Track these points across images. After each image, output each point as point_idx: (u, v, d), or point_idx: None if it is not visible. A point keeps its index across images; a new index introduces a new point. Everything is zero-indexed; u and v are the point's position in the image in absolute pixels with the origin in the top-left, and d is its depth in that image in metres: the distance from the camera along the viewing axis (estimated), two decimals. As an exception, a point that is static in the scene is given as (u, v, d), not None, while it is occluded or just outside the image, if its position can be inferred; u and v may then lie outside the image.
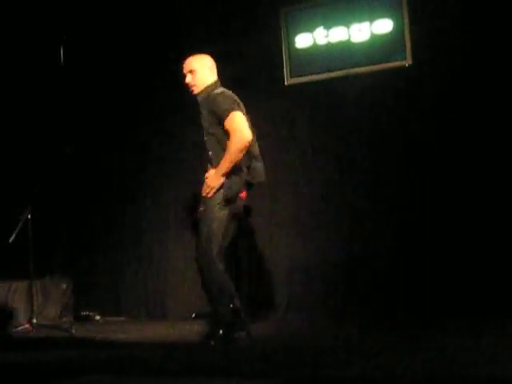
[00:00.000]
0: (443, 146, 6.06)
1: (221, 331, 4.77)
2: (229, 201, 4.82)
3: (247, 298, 6.11)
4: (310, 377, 3.57)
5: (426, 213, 6.08)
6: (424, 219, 6.08)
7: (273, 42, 6.75)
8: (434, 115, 6.12)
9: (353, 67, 6.49)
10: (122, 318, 7.11)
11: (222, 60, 6.61)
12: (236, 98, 5.00)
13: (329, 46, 6.59)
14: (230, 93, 5.01)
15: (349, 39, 6.51)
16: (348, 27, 6.50)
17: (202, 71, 5.06)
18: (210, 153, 4.95)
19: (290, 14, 6.72)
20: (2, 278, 6.45)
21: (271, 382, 3.55)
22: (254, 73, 6.79)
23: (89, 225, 7.40)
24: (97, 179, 7.41)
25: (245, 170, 4.90)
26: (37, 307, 6.55)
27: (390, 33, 6.35)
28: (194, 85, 5.05)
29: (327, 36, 6.58)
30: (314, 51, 6.66)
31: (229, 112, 4.81)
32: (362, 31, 6.45)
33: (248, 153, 4.89)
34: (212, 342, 4.78)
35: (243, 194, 4.96)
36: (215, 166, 4.86)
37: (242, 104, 5.01)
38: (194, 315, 6.71)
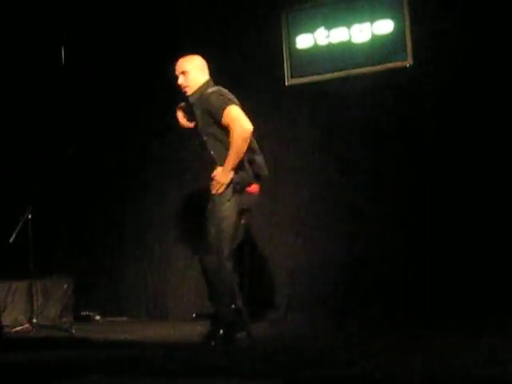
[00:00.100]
0: (444, 146, 6.07)
1: (221, 331, 4.78)
2: (235, 192, 4.82)
3: (247, 297, 6.10)
4: (310, 377, 3.57)
5: (425, 213, 6.08)
6: (424, 219, 6.08)
7: (274, 43, 6.75)
8: (434, 115, 6.12)
9: (354, 68, 6.49)
10: (123, 318, 7.10)
11: (223, 60, 6.68)
12: (230, 94, 5.00)
13: (330, 46, 6.59)
14: (223, 90, 5.02)
15: (350, 40, 6.51)
16: (349, 28, 6.50)
17: (194, 72, 5.07)
18: (212, 152, 4.95)
19: (291, 15, 6.71)
20: (2, 278, 6.43)
21: (271, 382, 3.54)
22: (254, 73, 6.79)
23: (89, 225, 7.40)
24: (97, 179, 7.40)
25: (247, 164, 4.91)
26: (37, 307, 6.54)
27: (391, 33, 6.34)
28: (187, 86, 5.07)
29: (328, 36, 6.58)
30: (315, 52, 6.66)
31: (224, 108, 4.83)
32: (363, 32, 6.44)
33: (248, 147, 4.90)
34: (212, 343, 4.79)
35: (254, 189, 4.97)
36: (220, 165, 4.86)
37: (236, 100, 5.00)
38: (194, 315, 6.71)
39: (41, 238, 6.39)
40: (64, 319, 6.88)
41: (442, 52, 6.12)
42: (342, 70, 6.53)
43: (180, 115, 5.32)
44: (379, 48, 6.41)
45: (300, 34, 6.68)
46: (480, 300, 5.69)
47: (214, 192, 4.86)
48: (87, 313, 7.07)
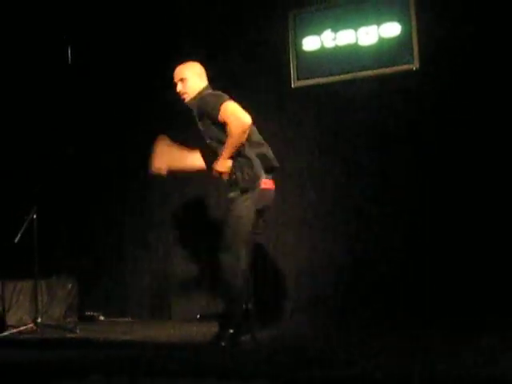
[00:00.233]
0: (450, 149, 6.06)
1: (231, 331, 4.78)
2: (247, 190, 4.83)
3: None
4: (310, 377, 3.56)
5: (426, 214, 6.10)
6: (424, 220, 6.10)
7: (280, 44, 6.74)
8: (441, 118, 6.11)
9: (360, 70, 6.47)
10: (127, 319, 7.11)
11: (229, 61, 6.68)
12: (226, 95, 5.02)
13: (336, 48, 6.58)
14: (218, 92, 5.07)
15: (356, 42, 6.49)
16: (356, 30, 6.49)
17: (192, 79, 5.11)
18: (218, 154, 4.97)
19: (298, 17, 6.71)
20: (7, 277, 6.45)
21: (272, 382, 3.54)
22: (261, 75, 6.78)
23: (93, 225, 7.40)
24: (100, 179, 7.41)
25: (254, 161, 4.91)
26: (41, 307, 6.54)
27: (398, 36, 6.33)
28: (185, 92, 5.12)
29: (335, 39, 6.57)
30: (322, 54, 6.64)
31: (220, 104, 4.85)
32: (370, 34, 6.43)
33: (252, 142, 4.94)
34: (223, 343, 4.77)
35: (269, 185, 4.97)
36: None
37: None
38: (198, 316, 6.71)
39: (45, 238, 6.39)
40: (68, 319, 6.90)
41: (448, 56, 6.11)
42: (348, 72, 6.52)
43: (159, 154, 5.32)
44: (386, 51, 6.39)
45: (307, 36, 6.67)
46: (480, 300, 5.70)
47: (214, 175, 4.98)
48: (91, 313, 7.08)
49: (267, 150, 5.05)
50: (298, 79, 6.72)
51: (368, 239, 6.36)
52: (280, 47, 6.74)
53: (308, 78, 6.71)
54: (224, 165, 4.89)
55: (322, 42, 6.63)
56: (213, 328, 5.09)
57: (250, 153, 4.91)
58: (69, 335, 5.97)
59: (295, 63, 6.71)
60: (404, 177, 6.22)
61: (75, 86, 7.38)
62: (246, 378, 3.65)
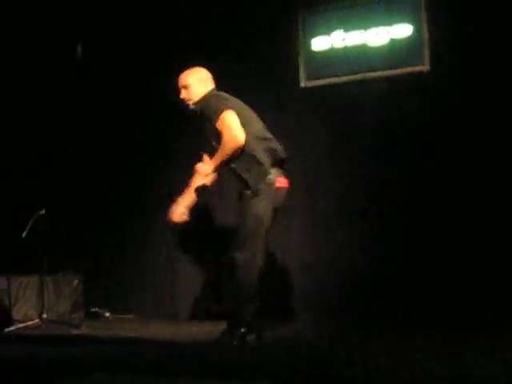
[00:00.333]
0: (460, 151, 6.04)
1: (242, 330, 4.78)
2: (260, 189, 4.83)
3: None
4: (310, 377, 3.56)
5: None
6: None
7: (289, 45, 6.74)
8: (451, 120, 6.08)
9: (370, 71, 6.46)
10: (132, 316, 7.11)
11: (238, 62, 6.68)
12: (230, 98, 5.04)
13: (346, 49, 6.57)
14: (221, 94, 5.09)
15: (366, 43, 6.48)
16: (366, 31, 6.47)
17: (195, 85, 5.12)
18: None
19: (308, 17, 6.70)
20: (13, 273, 6.47)
21: (273, 382, 3.54)
22: (269, 75, 6.77)
23: (100, 223, 7.40)
24: (109, 175, 7.42)
25: (261, 152, 4.90)
26: (47, 303, 6.55)
27: (408, 38, 6.32)
28: (190, 99, 5.13)
29: (344, 39, 6.56)
30: (331, 54, 6.63)
31: (218, 113, 4.85)
32: (380, 35, 6.42)
33: (258, 137, 4.93)
34: (234, 342, 4.77)
35: (283, 183, 4.97)
36: (236, 167, 4.89)
37: (237, 104, 5.03)
38: (204, 314, 6.72)
39: (52, 235, 6.41)
40: (74, 315, 6.91)
41: (459, 57, 6.09)
42: (357, 73, 6.51)
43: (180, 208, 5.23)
44: (396, 52, 6.38)
45: (316, 36, 6.66)
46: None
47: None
48: (97, 309, 7.08)
49: (276, 145, 5.04)
50: (307, 79, 6.71)
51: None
52: (289, 47, 6.74)
53: (317, 79, 6.69)
54: (206, 169, 4.96)
55: (331, 43, 6.62)
56: (218, 327, 5.08)
57: (256, 148, 4.89)
58: (74, 331, 5.98)
59: (305, 63, 6.70)
60: (413, 178, 6.21)
61: (75, 85, 7.36)
62: (248, 378, 3.65)
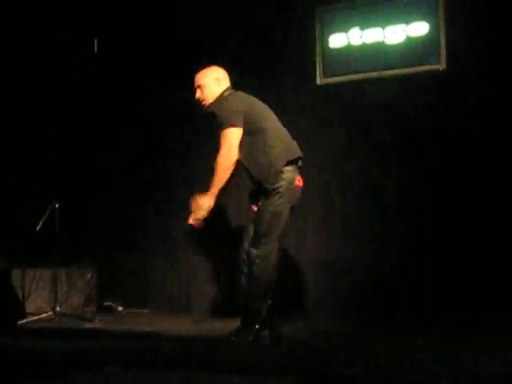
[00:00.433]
0: (477, 150, 6.02)
1: (257, 326, 4.78)
2: (264, 191, 4.83)
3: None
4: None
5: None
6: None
7: (307, 41, 6.72)
8: (467, 119, 6.06)
9: (386, 69, 6.45)
10: (145, 310, 7.12)
11: (255, 58, 6.67)
12: (244, 97, 5.03)
13: (363, 46, 6.55)
14: (237, 94, 5.06)
15: (383, 41, 6.46)
16: (383, 29, 6.46)
17: (209, 85, 5.10)
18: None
19: (326, 14, 6.68)
20: (27, 265, 6.49)
21: (285, 380, 3.54)
22: (286, 71, 6.78)
23: (114, 217, 7.42)
24: (125, 167, 7.44)
25: (278, 151, 4.87)
26: (61, 296, 6.58)
27: (425, 36, 6.30)
28: (204, 99, 5.11)
29: (362, 37, 6.54)
30: (348, 52, 6.62)
31: (225, 126, 4.83)
32: (397, 33, 6.40)
33: (275, 135, 4.92)
34: (249, 338, 4.76)
35: (300, 183, 4.97)
36: (248, 163, 4.89)
37: (252, 101, 5.02)
38: (217, 310, 6.73)
39: (66, 228, 6.43)
40: (87, 309, 6.93)
41: (475, 56, 6.07)
42: (374, 70, 6.49)
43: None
44: (413, 50, 6.36)
45: (333, 34, 6.65)
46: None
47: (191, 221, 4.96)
48: (110, 303, 7.09)
49: (292, 144, 5.04)
50: (324, 76, 6.69)
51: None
52: (306, 44, 6.72)
53: (334, 76, 6.68)
54: (210, 201, 4.86)
55: (348, 40, 6.60)
56: (232, 323, 5.09)
57: (274, 145, 4.88)
58: (87, 325, 6.00)
59: (321, 60, 6.69)
60: (427, 175, 6.19)
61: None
62: (262, 374, 3.66)
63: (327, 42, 6.67)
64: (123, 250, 7.32)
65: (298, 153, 5.01)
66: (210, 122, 5.06)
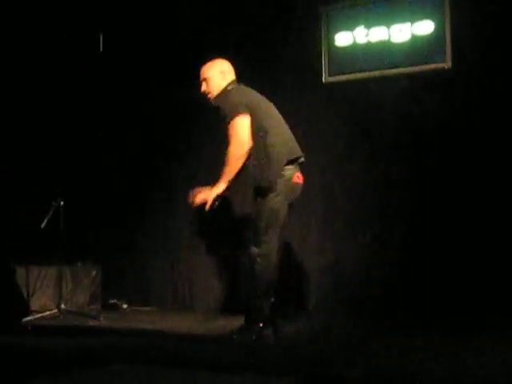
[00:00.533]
0: (483, 148, 6.01)
1: (260, 325, 4.77)
2: (261, 189, 4.81)
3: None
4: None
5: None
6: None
7: (312, 40, 6.70)
8: (472, 118, 6.05)
9: (392, 68, 6.42)
10: (150, 308, 7.13)
11: (261, 56, 6.67)
12: (249, 91, 5.02)
13: (368, 45, 6.53)
14: (241, 88, 5.06)
15: (389, 39, 6.44)
16: (388, 27, 6.43)
17: (214, 78, 5.10)
18: None
19: (331, 13, 6.67)
20: (32, 263, 6.50)
21: (286, 380, 3.55)
22: (292, 70, 6.75)
23: (119, 215, 7.41)
24: (125, 167, 7.44)
25: (278, 149, 4.86)
26: (65, 293, 6.60)
27: (431, 34, 6.27)
28: (209, 92, 5.12)
29: (367, 35, 6.52)
30: (354, 50, 6.60)
31: (232, 115, 4.83)
32: (403, 32, 6.38)
33: (276, 133, 4.91)
34: (253, 336, 4.77)
35: (299, 179, 4.95)
36: (251, 162, 4.87)
37: (255, 101, 5.00)
38: (220, 308, 6.73)
39: (71, 226, 6.44)
40: (92, 306, 6.94)
41: (481, 55, 6.05)
42: (379, 69, 6.47)
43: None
44: (418, 49, 6.34)
45: (339, 32, 6.63)
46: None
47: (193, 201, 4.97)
48: (115, 301, 7.09)
49: (292, 143, 5.03)
50: (330, 75, 6.68)
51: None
52: (312, 42, 6.71)
53: (339, 74, 6.66)
54: (219, 189, 4.86)
55: (354, 38, 6.58)
56: (235, 321, 5.09)
57: (273, 143, 4.86)
58: (92, 323, 6.01)
59: (327, 59, 6.67)
60: (432, 174, 6.18)
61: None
62: (263, 373, 3.67)
63: (333, 40, 6.65)
64: (123, 249, 7.32)
65: (299, 153, 5.01)
66: (210, 123, 5.06)
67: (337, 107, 6.64)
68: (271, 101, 5.09)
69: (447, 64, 6.18)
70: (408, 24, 6.37)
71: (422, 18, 6.30)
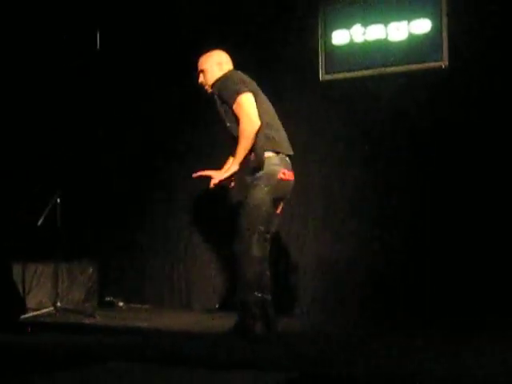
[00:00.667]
0: (480, 147, 6.01)
1: (248, 322, 4.73)
2: (256, 169, 4.79)
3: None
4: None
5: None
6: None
7: (309, 38, 6.71)
8: (470, 116, 6.05)
9: (389, 66, 6.42)
10: (146, 306, 7.12)
11: (257, 54, 6.66)
12: (246, 78, 4.99)
13: (366, 43, 6.53)
14: (235, 73, 5.03)
15: (386, 38, 6.44)
16: (386, 25, 6.43)
17: (211, 69, 5.09)
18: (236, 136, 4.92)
19: (328, 10, 6.67)
20: (28, 260, 6.49)
21: (283, 375, 3.54)
22: (289, 68, 6.76)
23: (117, 212, 7.41)
24: (125, 167, 7.43)
25: (265, 141, 4.82)
26: (62, 291, 6.58)
27: (428, 33, 6.28)
28: (206, 84, 5.10)
29: (364, 33, 6.52)
30: (351, 48, 6.59)
31: (235, 96, 4.79)
32: (400, 30, 6.38)
33: (267, 124, 4.86)
34: (248, 334, 4.73)
35: (289, 176, 4.91)
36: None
37: (253, 84, 4.98)
38: (217, 306, 6.74)
39: (68, 223, 6.43)
40: (88, 304, 6.94)
41: (478, 53, 6.06)
42: (376, 67, 6.47)
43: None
44: (415, 47, 6.34)
45: (336, 30, 6.62)
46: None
47: (211, 185, 4.94)
48: (111, 299, 7.10)
49: (282, 138, 4.98)
50: (327, 73, 6.68)
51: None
52: (309, 40, 6.71)
53: (336, 72, 6.66)
54: (231, 170, 4.87)
55: (351, 36, 6.58)
56: (231, 319, 5.08)
57: (262, 136, 4.82)
58: (87, 320, 6.00)
59: (324, 57, 6.67)
60: (430, 171, 6.18)
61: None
62: (260, 369, 3.67)
63: (330, 38, 6.64)
64: (123, 249, 7.33)
65: (288, 152, 4.97)
66: (210, 122, 5.05)
67: (334, 105, 6.63)
68: (271, 101, 5.06)
69: (444, 63, 6.18)
70: (405, 22, 6.37)
71: (419, 17, 6.30)
